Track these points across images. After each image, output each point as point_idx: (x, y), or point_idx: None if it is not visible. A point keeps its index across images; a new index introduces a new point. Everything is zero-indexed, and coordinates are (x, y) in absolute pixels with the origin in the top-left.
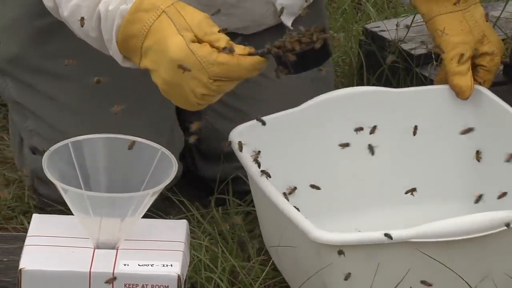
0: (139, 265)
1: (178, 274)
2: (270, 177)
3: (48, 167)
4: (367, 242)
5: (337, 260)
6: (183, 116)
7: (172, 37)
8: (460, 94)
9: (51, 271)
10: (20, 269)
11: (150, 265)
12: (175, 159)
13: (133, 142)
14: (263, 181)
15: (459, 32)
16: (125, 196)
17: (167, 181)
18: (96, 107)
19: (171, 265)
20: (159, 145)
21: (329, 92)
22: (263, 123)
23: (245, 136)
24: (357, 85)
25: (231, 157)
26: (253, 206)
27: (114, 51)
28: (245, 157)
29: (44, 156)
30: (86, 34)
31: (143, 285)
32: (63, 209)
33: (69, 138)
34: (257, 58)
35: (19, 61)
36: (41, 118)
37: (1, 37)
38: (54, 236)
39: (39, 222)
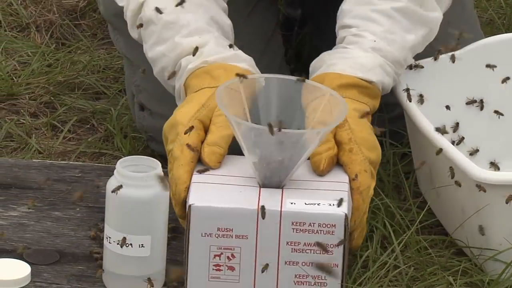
0: (305, 203)
1: (345, 213)
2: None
3: (220, 102)
4: None
5: (496, 201)
6: None
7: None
8: None
9: (220, 208)
10: (190, 205)
11: (316, 204)
12: (344, 102)
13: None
14: (422, 120)
15: None
16: (295, 133)
17: (336, 122)
18: None
19: (338, 205)
20: (327, 87)
21: (492, 37)
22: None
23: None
24: None
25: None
26: (409, 148)
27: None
28: (402, 95)
29: (218, 90)
30: (164, 81)
31: (310, 223)
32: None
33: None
34: None
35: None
36: (147, 74)
37: None
38: (220, 175)
39: None
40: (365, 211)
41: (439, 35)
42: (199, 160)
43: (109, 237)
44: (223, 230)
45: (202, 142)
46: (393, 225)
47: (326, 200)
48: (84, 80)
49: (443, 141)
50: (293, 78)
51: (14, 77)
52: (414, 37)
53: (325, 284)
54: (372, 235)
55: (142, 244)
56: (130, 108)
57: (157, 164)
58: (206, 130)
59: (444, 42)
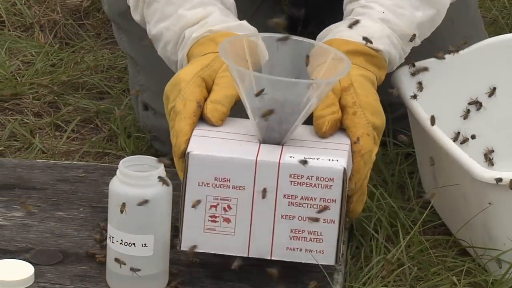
0: (304, 157)
1: (344, 167)
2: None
3: (223, 53)
4: None
5: (500, 200)
6: None
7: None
8: None
9: (218, 157)
10: (188, 153)
11: (315, 159)
12: (348, 59)
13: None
14: (424, 119)
15: None
16: (301, 82)
17: (338, 76)
18: None
19: (337, 160)
20: (331, 47)
21: (496, 37)
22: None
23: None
24: None
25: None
26: (413, 148)
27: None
28: (406, 95)
29: (221, 43)
30: (167, 57)
31: (308, 176)
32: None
33: None
34: None
35: (130, 14)
36: (151, 73)
37: None
38: (221, 131)
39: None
40: (366, 175)
41: (445, 34)
42: (201, 118)
43: (112, 237)
44: (220, 180)
45: (205, 100)
46: (396, 225)
47: (325, 156)
48: (87, 80)
49: (447, 141)
50: (296, 38)
51: (18, 77)
52: (422, 14)
53: (321, 240)
54: (376, 234)
55: (145, 244)
56: (134, 108)
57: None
58: (208, 91)
59: (450, 41)
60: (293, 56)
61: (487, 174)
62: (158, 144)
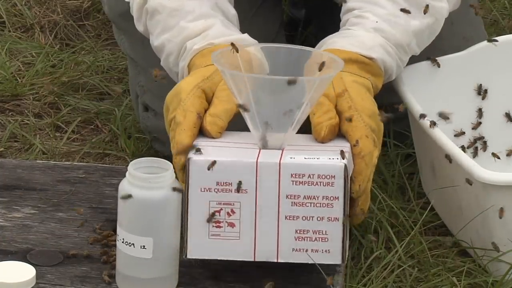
0: (305, 158)
1: (345, 164)
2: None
3: (216, 61)
4: None
5: (501, 202)
6: None
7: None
8: None
9: (219, 161)
10: (188, 159)
11: (316, 158)
12: (340, 59)
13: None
14: (424, 121)
15: None
16: (293, 79)
17: (330, 74)
18: None
19: (337, 158)
20: (325, 51)
21: (496, 38)
22: (438, 65)
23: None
24: None
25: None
26: (413, 149)
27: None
28: (409, 97)
29: (212, 55)
30: (169, 68)
31: (309, 175)
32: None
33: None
34: None
35: (130, 15)
36: (151, 74)
37: None
38: (221, 141)
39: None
40: (369, 178)
41: (445, 34)
42: (200, 130)
43: (118, 235)
44: (222, 184)
45: (205, 111)
46: (397, 226)
47: (325, 156)
48: (88, 80)
49: (447, 142)
50: (291, 45)
51: (18, 78)
52: (418, 23)
53: (326, 239)
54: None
55: (144, 246)
56: (134, 109)
57: (168, 165)
58: (208, 102)
59: (449, 41)
60: (289, 65)
61: (487, 175)
62: (158, 145)
